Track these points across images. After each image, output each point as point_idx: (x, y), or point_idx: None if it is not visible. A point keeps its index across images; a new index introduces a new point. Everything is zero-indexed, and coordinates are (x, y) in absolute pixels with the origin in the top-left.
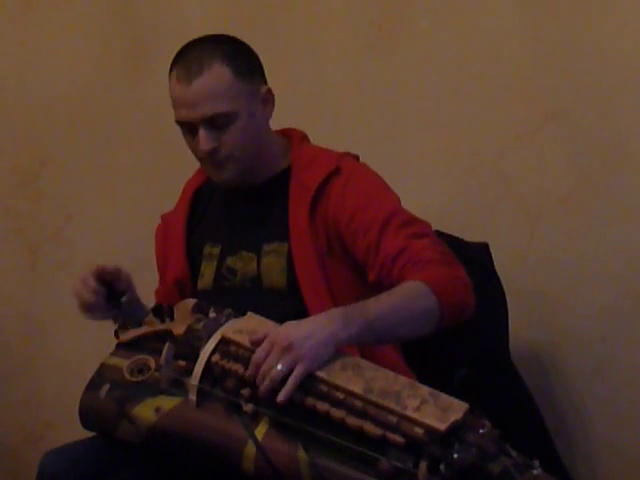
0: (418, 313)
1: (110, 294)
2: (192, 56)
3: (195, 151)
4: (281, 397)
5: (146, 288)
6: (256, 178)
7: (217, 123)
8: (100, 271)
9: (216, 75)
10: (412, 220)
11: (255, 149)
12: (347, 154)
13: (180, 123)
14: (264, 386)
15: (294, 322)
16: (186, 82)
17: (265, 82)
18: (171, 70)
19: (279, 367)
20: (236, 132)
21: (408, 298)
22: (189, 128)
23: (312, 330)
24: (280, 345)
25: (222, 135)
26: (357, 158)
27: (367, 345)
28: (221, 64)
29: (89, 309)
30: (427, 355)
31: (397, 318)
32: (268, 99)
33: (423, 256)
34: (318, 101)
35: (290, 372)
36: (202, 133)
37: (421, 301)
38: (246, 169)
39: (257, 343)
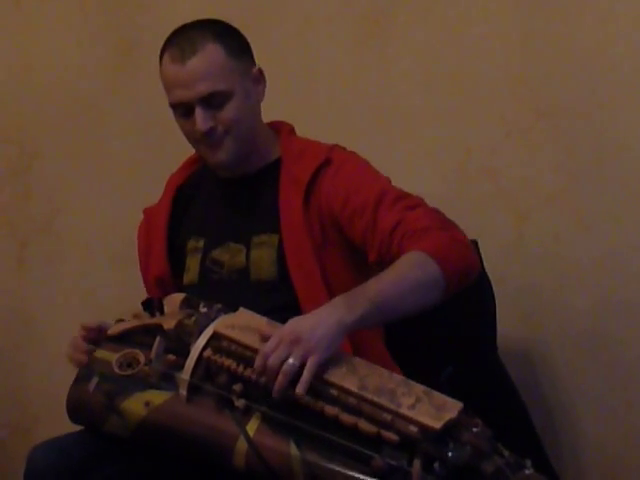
0: (421, 282)
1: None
2: (184, 37)
3: (190, 133)
4: (300, 389)
5: (134, 282)
6: (246, 167)
7: (213, 102)
8: (87, 330)
9: (210, 54)
10: (404, 195)
11: (251, 130)
12: (336, 145)
13: (174, 105)
14: (278, 382)
15: (298, 317)
16: (180, 62)
17: (255, 63)
18: (162, 54)
19: (291, 361)
20: (233, 110)
21: (408, 269)
22: (184, 110)
23: (317, 320)
24: (288, 339)
25: (218, 114)
26: (346, 149)
27: (377, 326)
28: (214, 43)
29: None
30: (414, 352)
31: (400, 291)
32: (260, 79)
33: (419, 225)
34: (309, 95)
35: (302, 365)
36: (199, 112)
37: (422, 270)
38: (242, 151)
39: (266, 336)
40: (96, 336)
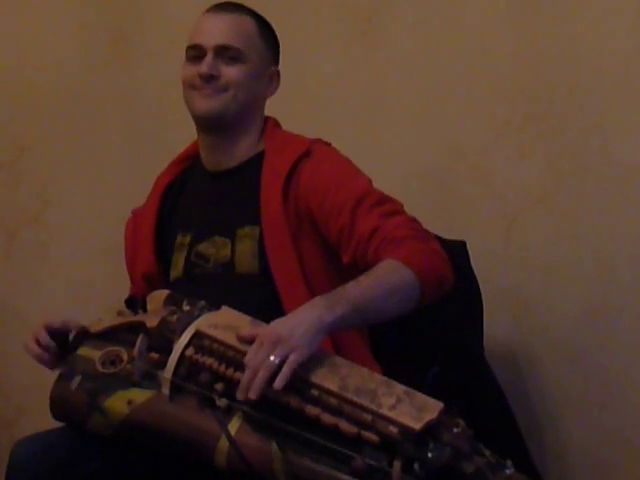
0: (399, 288)
1: (62, 343)
2: (229, 3)
3: (190, 78)
4: (277, 384)
5: (123, 275)
6: (230, 160)
7: (227, 55)
8: (49, 328)
9: (243, 21)
10: (384, 199)
11: (246, 103)
12: (318, 140)
13: (189, 47)
14: (258, 377)
15: (279, 319)
16: (214, 13)
17: (277, 64)
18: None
19: (272, 358)
20: (239, 72)
21: (386, 275)
22: (196, 53)
23: (297, 320)
24: (269, 341)
25: (225, 69)
26: (328, 145)
27: (354, 327)
28: (251, 19)
29: (42, 363)
30: (401, 352)
31: (379, 296)
32: (273, 78)
33: (397, 234)
34: (302, 92)
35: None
36: (208, 58)
37: (399, 277)
38: (232, 112)
39: (244, 339)
40: (60, 334)
